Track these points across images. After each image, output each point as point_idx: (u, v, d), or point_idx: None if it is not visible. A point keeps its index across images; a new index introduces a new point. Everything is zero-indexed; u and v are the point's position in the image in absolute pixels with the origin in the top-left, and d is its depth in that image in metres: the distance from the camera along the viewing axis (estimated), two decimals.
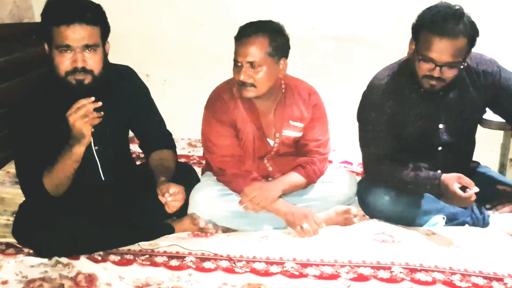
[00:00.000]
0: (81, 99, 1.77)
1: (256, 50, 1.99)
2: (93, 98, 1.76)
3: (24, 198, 2.04)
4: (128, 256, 1.91)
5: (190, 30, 3.04)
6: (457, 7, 1.91)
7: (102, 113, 1.79)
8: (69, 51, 1.80)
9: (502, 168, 2.51)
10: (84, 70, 1.82)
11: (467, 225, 2.06)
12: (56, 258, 1.86)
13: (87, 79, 1.83)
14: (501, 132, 2.49)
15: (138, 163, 2.39)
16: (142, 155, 2.34)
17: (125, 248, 1.95)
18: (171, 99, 2.88)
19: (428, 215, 2.06)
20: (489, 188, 2.13)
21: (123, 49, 2.89)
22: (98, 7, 1.87)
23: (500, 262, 1.82)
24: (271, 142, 2.20)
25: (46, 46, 1.86)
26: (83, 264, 1.84)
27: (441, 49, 1.87)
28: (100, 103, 1.77)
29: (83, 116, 1.76)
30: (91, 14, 1.81)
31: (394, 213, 2.07)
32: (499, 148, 2.59)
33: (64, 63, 1.81)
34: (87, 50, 1.82)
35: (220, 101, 2.14)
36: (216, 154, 2.16)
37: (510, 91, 2.07)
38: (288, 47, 2.10)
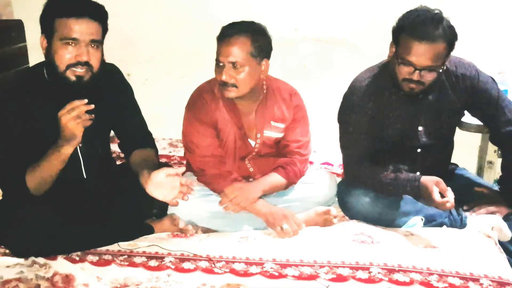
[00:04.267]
0: (74, 100, 1.75)
1: (238, 51, 1.99)
2: (86, 100, 1.76)
3: (0, 197, 2.00)
4: (106, 257, 1.89)
5: (171, 29, 3.03)
6: (436, 12, 1.93)
7: (93, 115, 1.78)
8: (73, 45, 1.80)
9: (480, 170, 2.54)
10: (87, 64, 1.82)
11: (444, 226, 2.08)
12: (32, 258, 1.83)
13: (87, 76, 1.83)
14: (479, 135, 2.52)
15: (118, 163, 2.37)
16: (122, 155, 2.32)
17: (103, 249, 1.93)
18: (152, 99, 2.86)
19: (407, 216, 2.08)
20: (466, 190, 2.16)
21: (104, 48, 2.87)
22: (103, 7, 1.89)
23: (476, 263, 1.84)
24: (252, 143, 2.20)
25: (42, 39, 1.85)
26: (60, 265, 1.82)
27: (421, 53, 1.89)
28: (93, 106, 1.77)
29: (76, 117, 1.75)
30: (98, 11, 1.84)
31: (373, 214, 2.08)
32: (477, 151, 2.63)
33: (67, 55, 1.80)
34: (91, 46, 1.82)
35: (202, 101, 2.14)
36: (197, 154, 2.15)
37: (487, 94, 2.10)
38: (270, 48, 2.10)
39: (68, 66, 1.81)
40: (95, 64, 1.85)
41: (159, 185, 1.86)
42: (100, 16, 1.85)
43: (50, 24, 1.81)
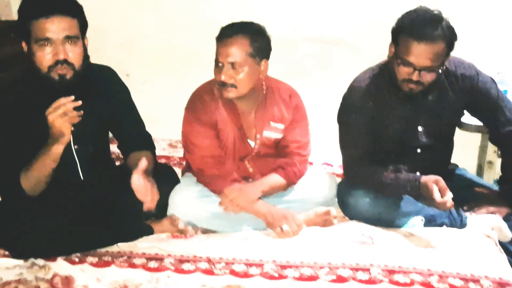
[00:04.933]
0: (60, 98, 1.74)
1: (237, 51, 1.99)
2: (72, 97, 1.74)
3: None
4: (106, 258, 1.88)
5: (170, 30, 3.02)
6: (435, 12, 1.93)
7: (81, 112, 1.77)
8: (49, 44, 1.78)
9: (480, 170, 2.54)
10: (66, 62, 1.80)
11: (445, 226, 2.08)
12: (32, 259, 1.83)
13: (69, 74, 1.81)
14: (479, 135, 2.52)
15: (117, 163, 2.36)
16: (121, 156, 2.31)
17: (103, 250, 1.92)
18: (151, 99, 2.86)
19: (407, 217, 2.08)
20: (466, 190, 2.16)
21: (103, 48, 2.87)
22: (75, 1, 1.86)
23: (476, 263, 1.84)
24: (252, 143, 2.20)
25: (24, 44, 1.83)
26: (60, 266, 1.81)
27: (420, 53, 1.89)
28: (80, 102, 1.75)
29: (63, 114, 1.74)
30: (69, 5, 1.81)
31: (373, 215, 2.08)
32: (476, 151, 2.63)
33: (46, 57, 1.79)
34: (67, 43, 1.80)
35: (201, 102, 2.14)
36: (196, 155, 2.15)
37: (487, 94, 2.10)
38: (270, 49, 2.10)
39: (50, 68, 1.80)
40: (75, 61, 1.82)
41: (137, 187, 1.86)
42: (72, 10, 1.81)
43: (25, 28, 1.79)
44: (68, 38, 1.79)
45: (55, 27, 1.77)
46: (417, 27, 1.89)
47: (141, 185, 1.86)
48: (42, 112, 1.76)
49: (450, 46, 1.93)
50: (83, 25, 1.87)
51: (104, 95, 2.01)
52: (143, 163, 1.87)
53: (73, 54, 1.81)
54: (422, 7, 1.97)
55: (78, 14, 1.84)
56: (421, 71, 1.92)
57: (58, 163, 1.85)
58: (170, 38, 3.04)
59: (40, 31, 1.77)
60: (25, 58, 1.85)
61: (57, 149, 1.81)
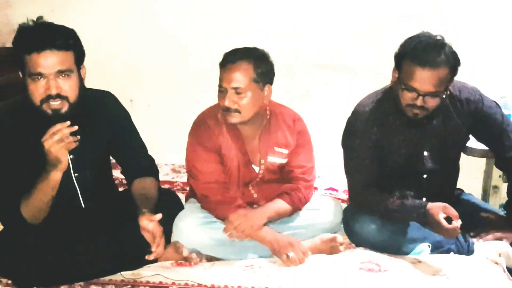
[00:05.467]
0: (56, 124, 1.73)
1: (241, 76, 2.00)
2: (68, 123, 1.73)
3: (1, 227, 1.98)
4: (109, 287, 1.86)
5: (174, 55, 3.04)
6: (438, 37, 1.94)
7: (78, 137, 1.76)
8: (42, 79, 1.77)
9: (485, 195, 2.53)
10: (59, 96, 1.78)
11: (452, 253, 2.06)
12: None
13: (64, 108, 1.80)
14: (484, 160, 2.51)
15: (121, 189, 2.35)
16: (125, 181, 2.30)
17: (106, 278, 1.90)
18: (155, 124, 2.86)
19: (414, 243, 2.06)
20: (473, 216, 2.14)
21: (107, 74, 2.89)
22: (71, 32, 1.84)
23: None
24: (256, 169, 2.19)
25: (20, 74, 1.83)
26: None
27: (423, 79, 1.89)
28: (76, 127, 1.74)
29: (59, 141, 1.73)
30: (62, 39, 1.78)
31: (380, 241, 2.06)
32: (482, 175, 2.61)
33: (38, 91, 1.78)
34: (60, 76, 1.78)
35: (205, 127, 2.13)
36: (201, 181, 2.14)
37: (492, 119, 2.10)
38: (273, 74, 2.11)
39: (42, 101, 1.78)
40: (70, 94, 1.80)
41: (145, 229, 1.88)
42: (65, 44, 1.79)
43: (19, 60, 1.79)
44: (60, 72, 1.78)
45: (47, 62, 1.75)
46: (420, 52, 1.90)
47: (150, 229, 1.88)
48: (39, 140, 1.75)
49: (453, 71, 1.94)
50: (79, 57, 1.85)
51: (104, 121, 2.01)
52: (159, 216, 1.89)
53: (66, 87, 1.79)
54: (425, 32, 1.98)
55: (72, 46, 1.81)
56: (425, 96, 1.92)
57: (58, 191, 1.84)
58: (173, 63, 3.06)
59: (32, 65, 1.75)
60: (23, 87, 1.85)
61: (55, 176, 1.79)
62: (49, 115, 1.80)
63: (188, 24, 3.01)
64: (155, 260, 2.01)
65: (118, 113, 2.08)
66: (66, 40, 1.80)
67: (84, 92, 1.88)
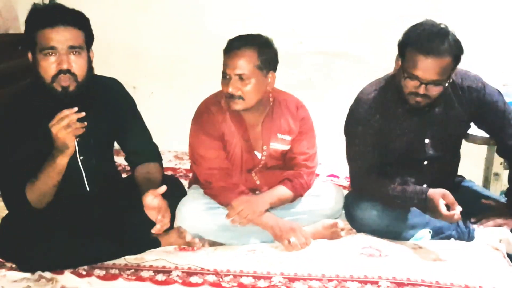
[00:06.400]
0: (64, 110, 1.75)
1: (245, 63, 2.00)
2: (76, 109, 1.75)
3: (6, 211, 2.00)
4: (113, 271, 1.88)
5: (177, 43, 3.04)
6: (442, 26, 1.94)
7: (85, 123, 1.77)
8: (54, 54, 1.80)
9: (486, 182, 2.53)
10: (69, 72, 1.81)
11: (452, 239, 2.07)
12: (39, 272, 1.82)
13: (72, 85, 1.83)
14: (485, 147, 2.52)
15: (124, 175, 2.37)
16: (128, 168, 2.32)
17: (110, 262, 1.92)
18: (158, 112, 2.87)
19: (415, 229, 2.07)
20: (474, 202, 2.15)
21: (110, 61, 2.89)
22: (81, 14, 1.88)
23: (485, 276, 1.82)
24: (259, 155, 2.20)
25: (29, 55, 1.86)
26: (67, 279, 1.81)
27: (426, 67, 1.89)
28: (83, 113, 1.75)
29: (66, 126, 1.74)
30: (74, 17, 1.84)
31: (381, 227, 2.07)
32: (483, 163, 2.62)
33: (50, 66, 1.81)
34: (72, 53, 1.82)
35: (208, 114, 2.14)
36: (203, 167, 2.15)
37: (494, 106, 2.10)
38: (277, 61, 2.11)
39: (53, 78, 1.81)
40: (79, 72, 1.83)
41: (150, 206, 1.88)
42: (77, 22, 1.84)
43: (31, 38, 1.82)
44: (72, 48, 1.81)
45: (60, 36, 1.80)
46: (423, 41, 1.89)
47: (154, 206, 1.88)
48: (46, 124, 1.77)
49: (456, 59, 1.93)
50: (89, 38, 1.89)
51: (110, 107, 2.02)
52: (163, 188, 1.89)
53: (76, 64, 1.83)
54: (428, 20, 1.97)
55: (83, 26, 1.86)
56: (428, 84, 1.92)
57: (63, 175, 1.85)
58: (177, 50, 3.05)
59: (45, 40, 1.79)
60: (32, 72, 1.86)
61: (62, 161, 1.81)
62: (58, 92, 1.82)
63: (191, 10, 3.00)
64: (158, 245, 2.04)
65: (124, 100, 2.10)
66: (78, 18, 1.85)
67: (92, 74, 1.91)
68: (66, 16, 1.82)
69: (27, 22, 1.85)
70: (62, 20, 1.80)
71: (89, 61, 1.90)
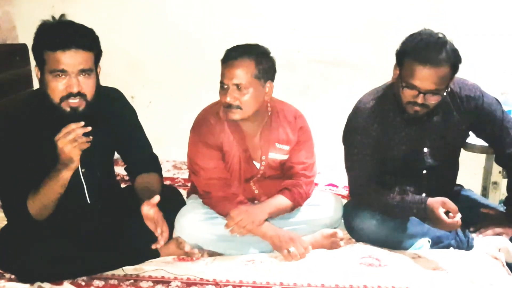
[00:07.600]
0: (70, 124, 1.75)
1: (243, 73, 2.01)
2: (82, 123, 1.75)
3: (5, 222, 1.99)
4: (112, 281, 1.87)
5: (175, 52, 3.05)
6: (440, 35, 1.94)
7: (91, 137, 1.77)
8: (63, 76, 1.79)
9: (485, 191, 2.54)
10: (79, 94, 1.80)
11: (451, 248, 2.07)
12: (38, 283, 1.82)
13: (82, 105, 1.82)
14: (484, 156, 2.53)
15: (122, 185, 2.36)
16: (126, 178, 2.32)
17: (109, 273, 1.91)
18: (156, 121, 2.86)
19: (414, 239, 2.07)
20: (472, 211, 2.15)
21: (108, 70, 2.86)
22: (92, 32, 1.86)
23: (484, 285, 1.82)
24: (257, 165, 2.20)
25: (37, 71, 1.85)
26: None
27: (424, 77, 1.90)
28: (89, 128, 1.75)
29: (72, 140, 1.74)
30: (85, 39, 1.81)
31: (380, 237, 2.07)
32: (481, 171, 2.63)
33: (59, 88, 1.79)
34: (81, 75, 1.81)
35: (206, 124, 2.14)
36: (202, 177, 2.15)
37: (492, 115, 2.11)
38: (274, 70, 2.12)
39: (62, 99, 1.80)
40: (89, 92, 1.83)
41: (148, 216, 1.90)
42: (88, 44, 1.82)
43: (40, 56, 1.81)
44: (82, 71, 1.80)
45: (72, 60, 1.78)
46: (421, 50, 1.90)
47: (151, 216, 1.89)
48: (50, 137, 1.77)
49: (454, 69, 1.94)
50: (98, 56, 1.88)
51: (112, 118, 2.02)
52: (156, 198, 1.90)
53: (86, 86, 1.82)
54: (426, 30, 1.98)
55: (94, 47, 1.85)
56: (426, 94, 1.93)
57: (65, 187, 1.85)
58: (175, 60, 3.06)
59: (55, 62, 1.77)
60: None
61: (66, 175, 1.81)
62: (66, 112, 1.81)
63: (189, 20, 3.01)
64: (157, 255, 2.03)
65: (126, 110, 2.10)
66: (89, 40, 1.83)
67: (99, 90, 1.90)
68: (78, 38, 1.79)
69: (36, 39, 1.83)
70: (74, 43, 1.77)
71: (98, 79, 1.90)
